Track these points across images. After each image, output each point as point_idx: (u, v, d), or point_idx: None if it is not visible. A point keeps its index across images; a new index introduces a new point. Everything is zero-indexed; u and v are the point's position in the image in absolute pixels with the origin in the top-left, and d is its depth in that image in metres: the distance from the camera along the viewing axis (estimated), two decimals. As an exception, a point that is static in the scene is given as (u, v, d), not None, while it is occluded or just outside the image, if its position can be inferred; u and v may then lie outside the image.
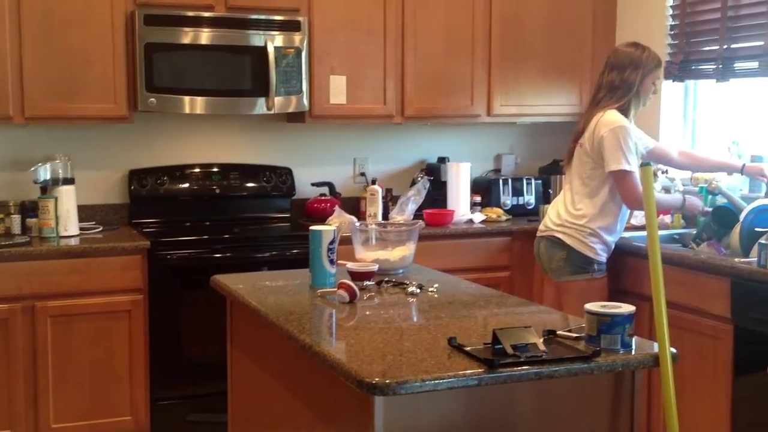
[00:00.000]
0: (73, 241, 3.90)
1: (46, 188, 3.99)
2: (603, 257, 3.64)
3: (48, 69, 3.91)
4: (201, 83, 4.12)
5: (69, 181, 4.03)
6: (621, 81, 3.62)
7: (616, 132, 3.52)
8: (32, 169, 4.00)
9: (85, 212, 4.23)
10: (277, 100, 4.19)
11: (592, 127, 3.60)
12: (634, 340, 2.13)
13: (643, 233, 3.83)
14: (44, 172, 3.99)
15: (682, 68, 4.49)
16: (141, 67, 3.97)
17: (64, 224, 3.96)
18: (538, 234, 3.80)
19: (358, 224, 3.19)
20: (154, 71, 3.99)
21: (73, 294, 3.76)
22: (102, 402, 3.85)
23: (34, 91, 3.90)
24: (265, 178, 4.53)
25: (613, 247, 3.69)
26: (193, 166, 4.46)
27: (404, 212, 4.20)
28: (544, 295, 3.89)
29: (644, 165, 2.29)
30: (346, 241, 3.38)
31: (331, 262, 2.78)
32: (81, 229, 4.05)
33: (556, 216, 3.70)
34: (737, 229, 3.60)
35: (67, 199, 3.98)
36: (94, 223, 4.25)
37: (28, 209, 4.03)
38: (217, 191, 4.45)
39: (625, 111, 3.62)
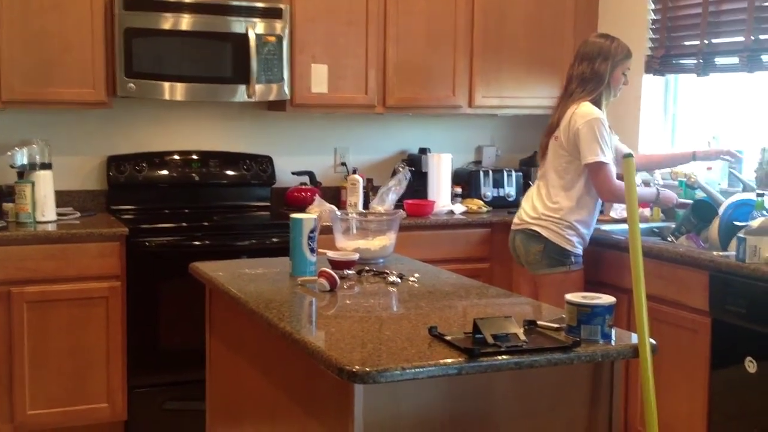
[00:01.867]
0: (50, 227, 3.86)
1: (23, 173, 3.95)
2: (579, 249, 3.65)
3: (25, 53, 3.87)
4: (181, 69, 4.09)
5: (46, 166, 3.98)
6: (592, 72, 3.63)
7: (592, 124, 3.53)
8: (9, 153, 3.96)
9: (62, 198, 4.20)
10: (258, 88, 4.16)
11: (567, 119, 3.61)
12: (613, 331, 2.14)
13: (623, 226, 3.86)
14: (21, 157, 3.95)
15: (663, 62, 4.50)
16: (120, 52, 3.93)
17: (41, 209, 3.92)
18: (513, 227, 3.81)
19: (338, 213, 3.18)
20: (133, 56, 3.96)
21: (50, 280, 3.73)
22: (78, 389, 3.82)
23: (11, 75, 3.85)
24: (245, 166, 4.51)
25: (588, 239, 3.70)
26: (172, 153, 4.43)
27: (385, 202, 4.20)
28: (519, 290, 3.89)
29: (627, 157, 2.29)
30: (327, 230, 3.37)
31: (312, 250, 2.77)
32: (58, 214, 4.01)
33: (531, 209, 3.71)
34: (716, 222, 3.62)
35: (45, 184, 3.94)
36: (71, 209, 4.21)
37: (5, 194, 3.99)
38: (197, 179, 4.42)
39: (597, 103, 3.64)
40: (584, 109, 3.58)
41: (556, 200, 3.63)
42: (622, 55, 3.65)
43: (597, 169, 3.54)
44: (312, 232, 2.76)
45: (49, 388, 3.77)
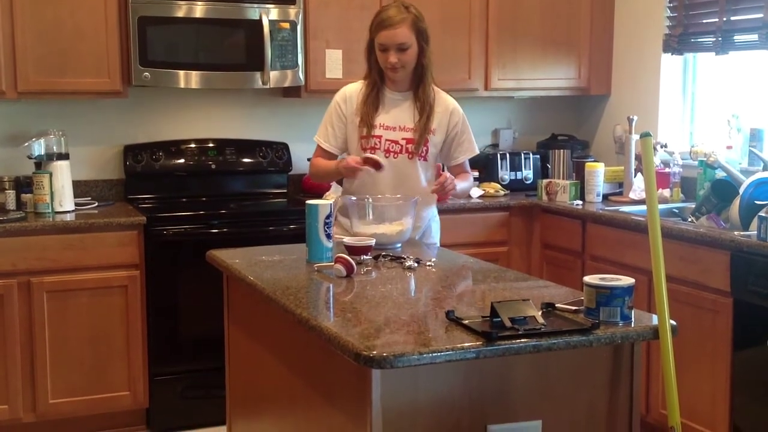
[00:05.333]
0: (69, 217, 3.87)
1: (41, 164, 3.96)
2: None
3: (39, 43, 3.87)
4: (196, 57, 4.09)
5: (63, 156, 4.00)
6: (365, 48, 3.23)
7: (330, 104, 3.29)
8: (26, 144, 3.97)
9: (80, 188, 4.21)
10: (273, 75, 4.15)
11: None
12: (633, 312, 2.12)
13: (642, 207, 3.82)
14: (38, 148, 3.97)
15: (681, 41, 4.45)
16: (134, 40, 3.94)
17: (59, 200, 3.93)
18: None
19: (354, 199, 3.16)
20: (147, 45, 3.96)
21: (69, 269, 3.75)
22: (99, 377, 3.84)
23: (27, 66, 3.86)
24: (261, 154, 4.50)
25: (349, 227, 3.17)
26: (188, 141, 4.43)
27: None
28: None
29: (644, 136, 2.25)
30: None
31: (328, 236, 2.76)
32: (76, 204, 4.03)
33: None
34: (737, 202, 3.58)
35: (62, 174, 3.96)
36: (89, 198, 4.23)
37: (23, 185, 4.00)
38: (213, 167, 4.42)
39: (375, 82, 3.19)
40: (342, 88, 3.30)
41: None
42: (373, 26, 3.16)
43: None
44: (328, 217, 2.75)
45: (70, 377, 3.79)
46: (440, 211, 4.31)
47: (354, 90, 3.24)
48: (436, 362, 1.90)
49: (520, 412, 2.07)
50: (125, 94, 4.08)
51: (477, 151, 3.31)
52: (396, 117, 3.19)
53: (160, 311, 3.92)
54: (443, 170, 3.18)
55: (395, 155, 3.18)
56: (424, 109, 3.16)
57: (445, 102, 3.24)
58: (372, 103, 3.17)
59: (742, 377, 3.31)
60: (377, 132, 3.17)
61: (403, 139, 3.18)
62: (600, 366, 2.13)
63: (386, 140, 3.18)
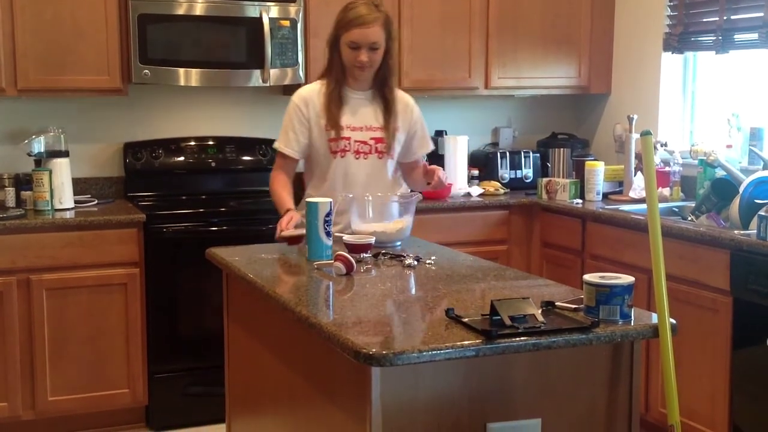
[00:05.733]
0: (68, 214, 3.87)
1: (41, 161, 3.96)
2: None
3: (39, 41, 3.87)
4: (196, 55, 4.09)
5: (63, 153, 4.00)
6: (327, 45, 3.17)
7: (287, 108, 3.20)
8: (26, 141, 3.97)
9: (80, 185, 4.21)
10: (273, 73, 4.15)
11: None
12: (632, 311, 2.12)
13: (642, 206, 3.82)
14: (38, 145, 3.97)
15: (681, 40, 4.45)
16: (134, 38, 3.93)
17: (59, 197, 3.93)
18: None
19: (352, 196, 3.15)
20: (147, 43, 3.95)
21: (69, 267, 3.75)
22: (99, 375, 3.84)
23: (26, 63, 3.86)
24: (261, 151, 4.50)
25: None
26: (188, 139, 4.43)
27: (401, 185, 4.16)
28: None
29: (645, 134, 2.25)
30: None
31: (328, 234, 2.76)
32: (76, 202, 4.03)
33: None
34: (737, 201, 3.58)
35: (62, 172, 3.96)
36: (89, 196, 4.23)
37: (23, 182, 4.00)
38: (213, 164, 4.42)
39: (338, 80, 3.12)
40: (297, 91, 3.23)
41: None
42: (342, 22, 3.10)
43: None
44: (328, 215, 2.75)
45: (69, 375, 3.79)
46: (440, 210, 4.34)
47: (312, 91, 3.18)
48: (435, 360, 1.90)
49: (519, 411, 2.07)
50: (125, 92, 4.08)
51: (432, 147, 3.36)
52: (360, 117, 3.16)
53: (159, 309, 3.91)
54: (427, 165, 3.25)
55: (365, 156, 3.18)
56: (391, 109, 3.16)
57: (403, 99, 3.25)
58: (336, 103, 3.12)
59: (741, 376, 3.31)
60: (345, 134, 3.14)
61: (371, 138, 3.17)
62: (599, 364, 2.13)
63: (355, 141, 3.16)
